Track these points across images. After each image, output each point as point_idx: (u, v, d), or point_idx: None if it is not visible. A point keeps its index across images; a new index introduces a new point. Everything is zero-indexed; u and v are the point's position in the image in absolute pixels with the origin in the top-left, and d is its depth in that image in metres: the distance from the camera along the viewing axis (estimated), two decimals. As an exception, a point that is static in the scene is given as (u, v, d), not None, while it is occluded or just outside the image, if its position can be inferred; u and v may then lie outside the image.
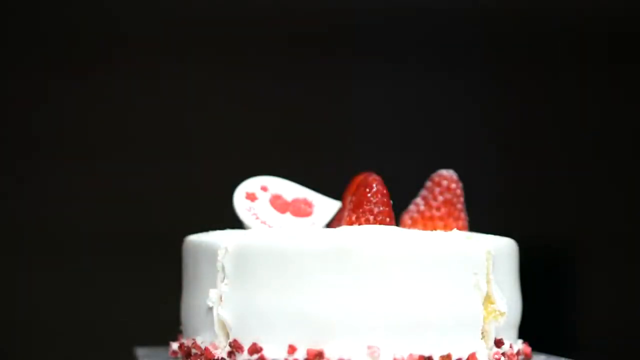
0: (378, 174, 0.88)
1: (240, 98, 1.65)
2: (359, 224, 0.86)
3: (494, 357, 0.84)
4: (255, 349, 0.81)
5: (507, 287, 0.86)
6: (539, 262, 1.65)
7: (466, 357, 0.82)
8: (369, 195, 0.86)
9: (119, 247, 1.60)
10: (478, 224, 0.95)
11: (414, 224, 0.93)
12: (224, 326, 0.84)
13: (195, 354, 0.86)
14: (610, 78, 1.70)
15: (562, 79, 1.70)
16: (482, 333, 0.84)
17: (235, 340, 0.83)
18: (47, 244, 1.59)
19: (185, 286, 0.90)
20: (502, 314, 0.84)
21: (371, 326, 0.80)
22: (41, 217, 1.60)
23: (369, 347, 0.80)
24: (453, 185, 0.92)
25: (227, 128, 1.63)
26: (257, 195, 0.92)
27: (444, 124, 1.69)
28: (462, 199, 0.93)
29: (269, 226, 0.90)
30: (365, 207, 0.86)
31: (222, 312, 0.84)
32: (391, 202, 0.87)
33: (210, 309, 0.85)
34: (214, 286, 0.85)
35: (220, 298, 0.84)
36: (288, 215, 0.91)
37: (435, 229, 0.91)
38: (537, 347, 0.96)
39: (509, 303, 0.86)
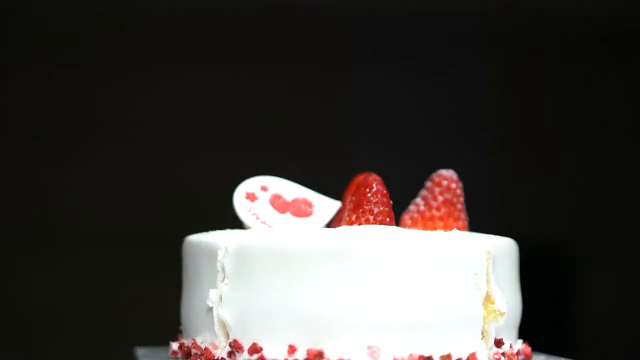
0: (378, 174, 0.88)
1: (240, 98, 1.65)
2: (359, 224, 0.86)
3: (494, 357, 0.84)
4: (255, 349, 0.81)
5: (507, 287, 0.86)
6: (539, 262, 1.65)
7: (466, 357, 0.82)
8: (369, 195, 0.86)
9: (119, 247, 1.60)
10: (478, 224, 0.95)
11: (414, 224, 0.92)
12: (224, 326, 0.84)
13: (195, 354, 0.86)
14: (610, 78, 1.70)
15: (562, 79, 1.70)
16: (482, 333, 0.84)
17: (235, 340, 0.83)
18: (47, 244, 1.59)
19: (185, 286, 0.90)
20: (502, 314, 0.84)
21: (371, 326, 0.80)
22: (41, 216, 1.60)
23: (369, 347, 0.80)
24: (453, 185, 0.92)
25: (227, 128, 1.63)
26: (257, 195, 0.92)
27: (444, 124, 1.69)
28: (462, 199, 0.93)
29: (269, 226, 0.90)
30: (365, 207, 0.86)
31: (222, 312, 0.84)
32: (391, 202, 0.87)
33: (210, 309, 0.84)
34: (214, 286, 0.84)
35: (220, 298, 0.84)
36: (288, 215, 0.91)
37: (435, 229, 0.91)
38: (537, 347, 0.96)
39: (509, 303, 0.86)
